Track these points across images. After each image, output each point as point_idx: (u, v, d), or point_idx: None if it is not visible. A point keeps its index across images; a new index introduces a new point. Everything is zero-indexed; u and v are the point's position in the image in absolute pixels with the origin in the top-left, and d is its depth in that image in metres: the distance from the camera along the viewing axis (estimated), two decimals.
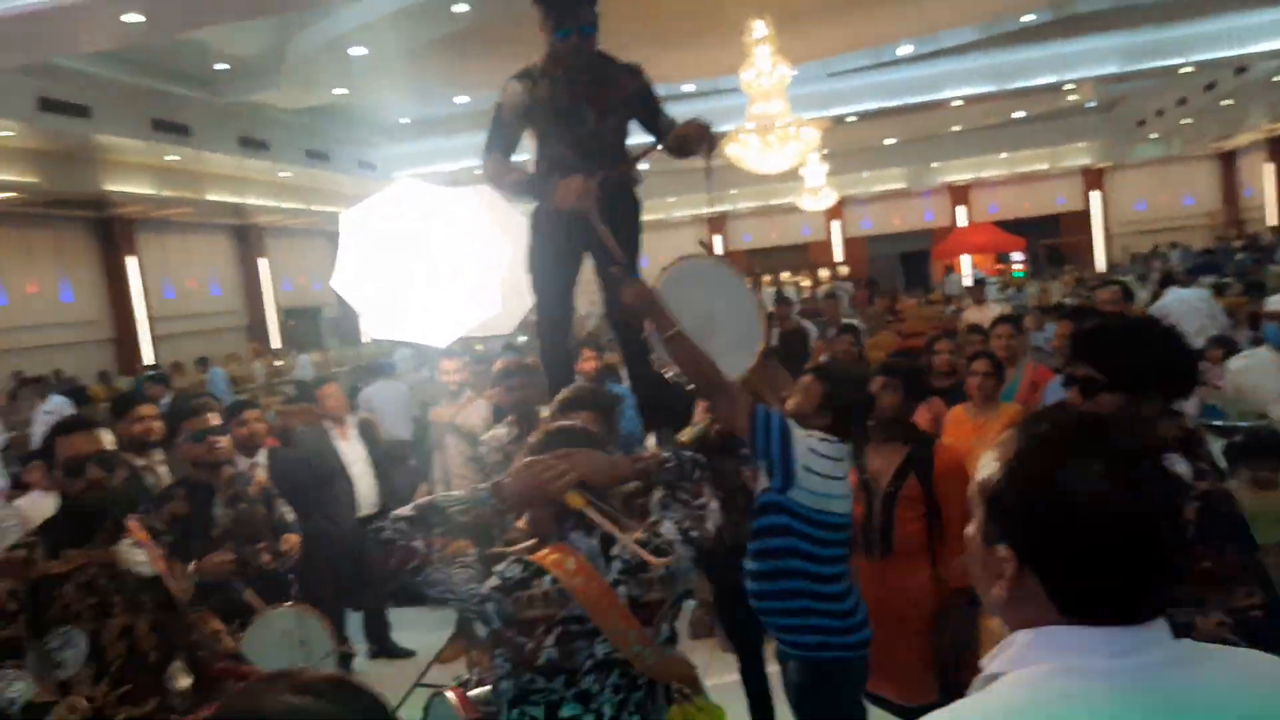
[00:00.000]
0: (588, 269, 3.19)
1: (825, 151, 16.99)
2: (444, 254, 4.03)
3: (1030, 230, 24.56)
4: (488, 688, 2.25)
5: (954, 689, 2.74)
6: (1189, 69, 16.43)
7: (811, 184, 17.24)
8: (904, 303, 16.43)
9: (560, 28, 2.91)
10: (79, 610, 2.56)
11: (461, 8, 10.48)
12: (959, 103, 17.50)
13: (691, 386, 2.80)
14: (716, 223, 27.54)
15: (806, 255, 27.72)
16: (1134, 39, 15.25)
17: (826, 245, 27.66)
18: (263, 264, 20.70)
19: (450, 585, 1.87)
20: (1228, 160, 25.20)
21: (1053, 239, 25.64)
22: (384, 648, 5.56)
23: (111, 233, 16.95)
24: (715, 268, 2.96)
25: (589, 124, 2.99)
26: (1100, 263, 24.28)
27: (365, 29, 10.80)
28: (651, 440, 3.09)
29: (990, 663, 0.99)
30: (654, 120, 3.14)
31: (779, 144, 12.21)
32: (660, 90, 3.22)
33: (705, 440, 3.11)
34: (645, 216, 3.20)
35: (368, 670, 5.46)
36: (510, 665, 1.88)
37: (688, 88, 15.85)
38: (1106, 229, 25.98)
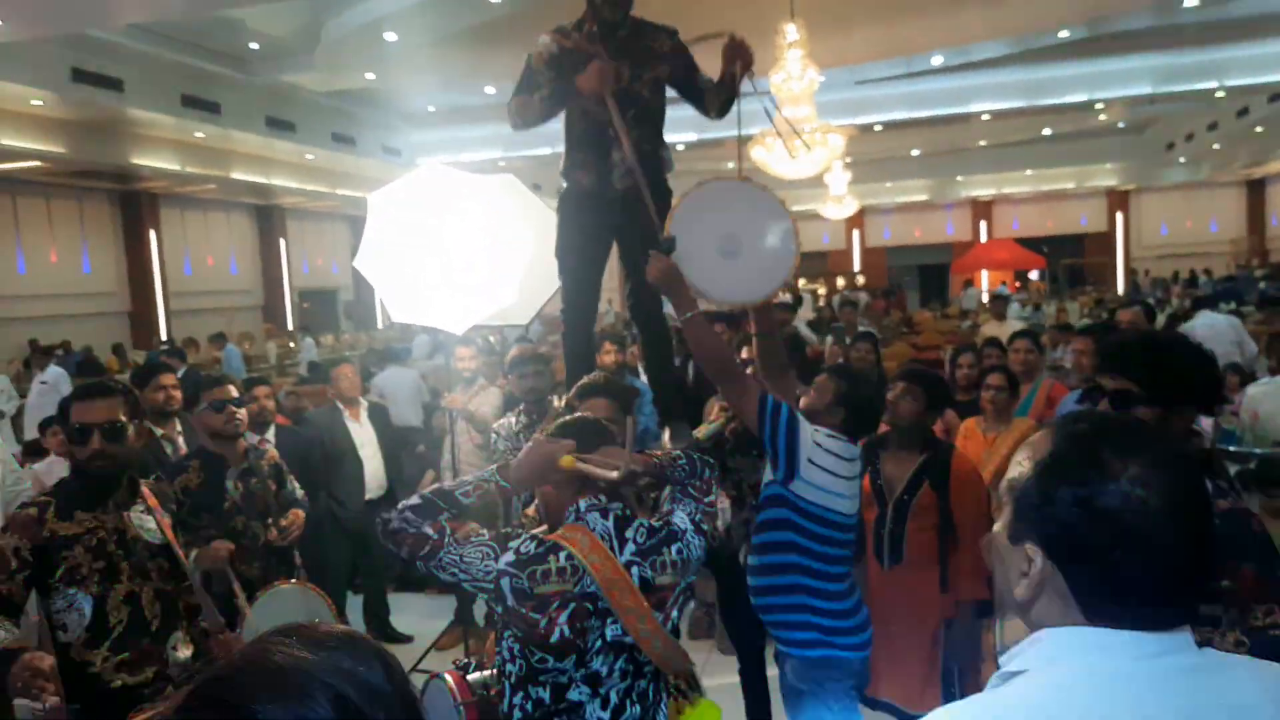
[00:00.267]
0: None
1: (849, 160, 16.92)
2: (465, 240, 4.03)
3: (1052, 248, 24.45)
4: (488, 672, 2.24)
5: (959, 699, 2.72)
6: (1222, 93, 16.29)
7: (835, 191, 17.18)
8: (920, 315, 16.38)
9: None
10: (86, 573, 2.57)
11: None
12: (987, 116, 17.40)
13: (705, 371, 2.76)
14: None
15: (825, 263, 27.69)
16: (1168, 60, 15.14)
17: (846, 254, 27.61)
18: (282, 244, 20.82)
19: (464, 565, 1.88)
20: (1256, 188, 24.98)
21: (1074, 259, 25.49)
22: (383, 632, 5.57)
23: (135, 206, 17.07)
24: (748, 190, 2.84)
25: (623, 78, 2.93)
26: (1121, 285, 24.13)
27: (399, 14, 10.83)
28: (666, 436, 3.07)
29: (1010, 660, 0.97)
30: (692, 78, 3.08)
31: (805, 149, 12.17)
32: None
33: (720, 438, 3.10)
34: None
35: None
36: (520, 644, 1.87)
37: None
38: (1128, 251, 25.80)
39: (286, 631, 0.83)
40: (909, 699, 3.01)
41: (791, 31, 10.89)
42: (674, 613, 1.98)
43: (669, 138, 3.18)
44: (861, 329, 8.07)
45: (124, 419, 2.65)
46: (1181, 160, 23.00)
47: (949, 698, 2.94)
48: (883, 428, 3.17)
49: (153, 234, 17.30)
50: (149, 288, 17.22)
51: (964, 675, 3.04)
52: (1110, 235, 26.15)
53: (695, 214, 2.67)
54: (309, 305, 22.27)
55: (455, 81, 14.68)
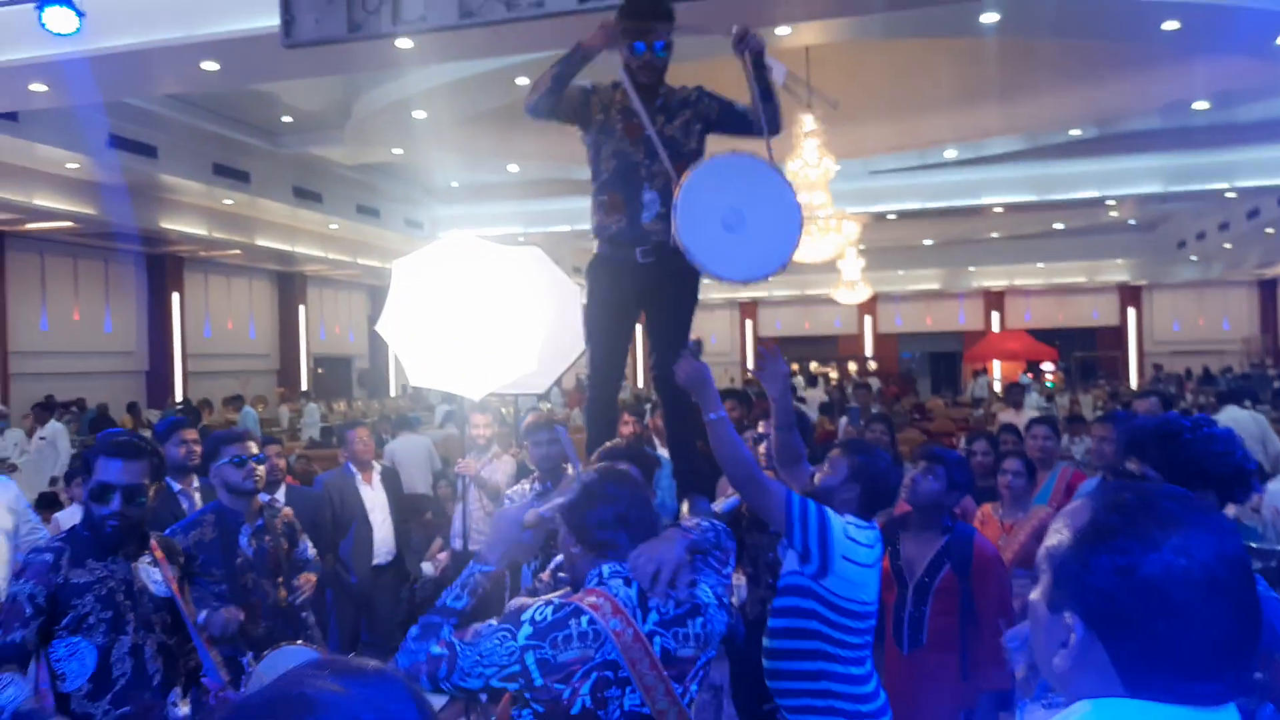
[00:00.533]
0: None
1: (863, 246, 17.15)
2: (488, 308, 4.08)
3: (1064, 341, 24.48)
4: None
5: None
6: (1233, 194, 16.52)
7: (848, 277, 17.37)
8: (933, 401, 16.33)
9: (637, 40, 2.95)
10: (94, 622, 2.54)
11: (524, 80, 10.84)
12: (1000, 209, 17.65)
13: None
14: (749, 308, 27.77)
15: (836, 348, 27.79)
16: (1179, 160, 15.39)
17: (858, 339, 27.70)
18: (301, 311, 21.08)
19: (486, 660, 1.83)
20: (1268, 288, 25.11)
21: (1086, 352, 25.50)
22: None
23: (160, 268, 17.36)
24: (759, 168, 2.82)
25: (656, 123, 2.97)
26: (1135, 379, 24.08)
27: (429, 93, 11.18)
28: (685, 508, 3.05)
29: None
30: (729, 108, 3.11)
31: (819, 234, 12.38)
32: None
33: (738, 513, 3.08)
34: None
35: None
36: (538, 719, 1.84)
37: None
38: (1141, 346, 25.82)
39: (320, 664, 0.83)
40: None
41: (809, 121, 11.21)
42: (692, 686, 1.94)
43: None
44: (875, 411, 8.07)
45: (146, 482, 2.64)
46: (1193, 258, 23.18)
47: None
48: (903, 507, 3.14)
49: (175, 296, 17.55)
50: (168, 348, 17.38)
51: None
52: (1122, 330, 26.21)
53: (702, 186, 2.66)
54: (323, 371, 22.41)
55: (479, 159, 15.06)
